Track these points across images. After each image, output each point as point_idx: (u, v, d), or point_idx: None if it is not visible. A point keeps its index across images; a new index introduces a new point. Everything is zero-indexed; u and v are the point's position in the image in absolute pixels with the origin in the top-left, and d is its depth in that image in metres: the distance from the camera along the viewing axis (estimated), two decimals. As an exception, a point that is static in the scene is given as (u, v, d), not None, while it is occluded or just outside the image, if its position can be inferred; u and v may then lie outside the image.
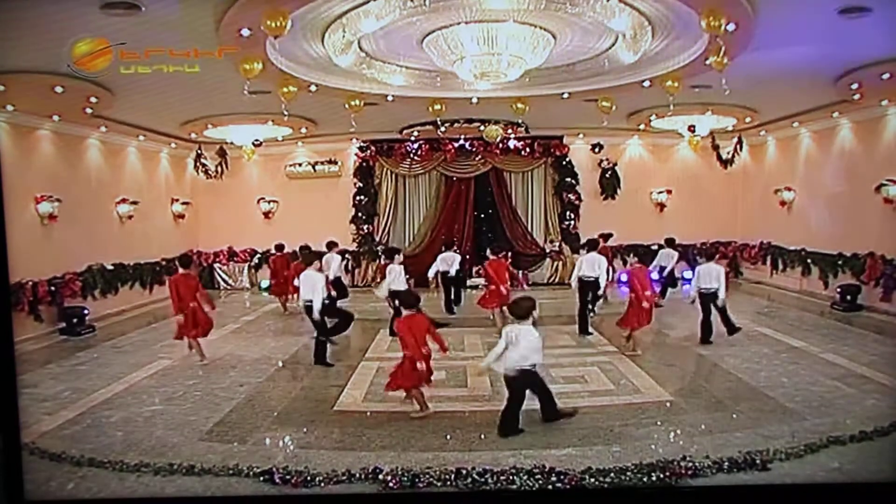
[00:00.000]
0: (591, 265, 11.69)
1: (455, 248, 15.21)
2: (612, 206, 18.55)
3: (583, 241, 14.94)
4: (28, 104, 11.29)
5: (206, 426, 7.27)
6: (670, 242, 14.89)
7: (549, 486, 5.63)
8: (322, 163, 18.92)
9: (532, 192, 19.04)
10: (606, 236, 14.30)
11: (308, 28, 9.29)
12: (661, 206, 18.92)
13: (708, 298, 10.71)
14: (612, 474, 5.71)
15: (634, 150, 19.05)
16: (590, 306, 12.20)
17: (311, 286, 9.88)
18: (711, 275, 10.70)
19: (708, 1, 7.99)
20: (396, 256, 12.37)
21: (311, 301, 9.83)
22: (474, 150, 18.31)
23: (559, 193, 18.74)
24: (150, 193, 16.75)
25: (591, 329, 11.76)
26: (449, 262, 14.32)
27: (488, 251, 12.85)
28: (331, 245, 14.19)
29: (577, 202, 18.63)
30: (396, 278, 11.86)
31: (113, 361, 10.40)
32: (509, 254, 13.53)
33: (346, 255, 17.40)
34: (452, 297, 14.45)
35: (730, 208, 19.03)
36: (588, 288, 11.79)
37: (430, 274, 14.51)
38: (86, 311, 12.87)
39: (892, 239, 12.84)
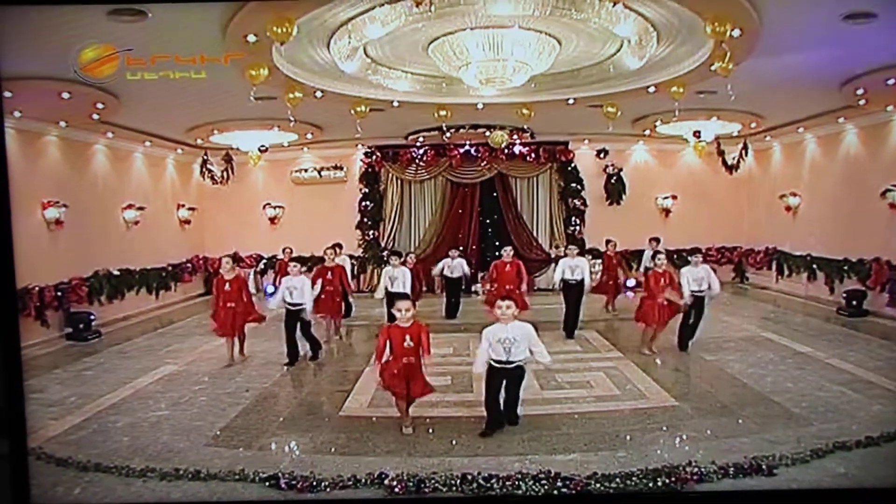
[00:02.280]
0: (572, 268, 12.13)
1: (459, 254, 15.06)
2: (618, 212, 18.49)
3: (577, 245, 14.98)
4: (35, 110, 11.30)
5: (211, 431, 7.28)
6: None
7: (555, 492, 5.63)
8: (328, 168, 18.92)
9: (537, 197, 19.00)
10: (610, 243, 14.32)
11: (314, 34, 9.32)
12: (667, 211, 18.87)
13: (701, 302, 10.64)
14: (617, 480, 5.70)
15: (640, 156, 19.02)
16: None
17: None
18: (707, 276, 10.62)
19: (713, 6, 8.01)
20: (393, 259, 12.63)
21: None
22: (480, 155, 18.24)
23: (564, 199, 18.69)
24: (157, 199, 16.79)
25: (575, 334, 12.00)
26: (451, 267, 14.44)
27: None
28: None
29: (582, 207, 18.57)
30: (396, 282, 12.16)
31: (119, 367, 10.41)
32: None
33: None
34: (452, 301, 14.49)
35: (735, 214, 18.98)
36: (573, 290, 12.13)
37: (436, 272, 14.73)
38: (92, 317, 12.87)
39: (898, 244, 12.83)
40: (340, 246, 14.38)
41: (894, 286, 12.76)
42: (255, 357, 10.75)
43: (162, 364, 10.43)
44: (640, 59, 10.50)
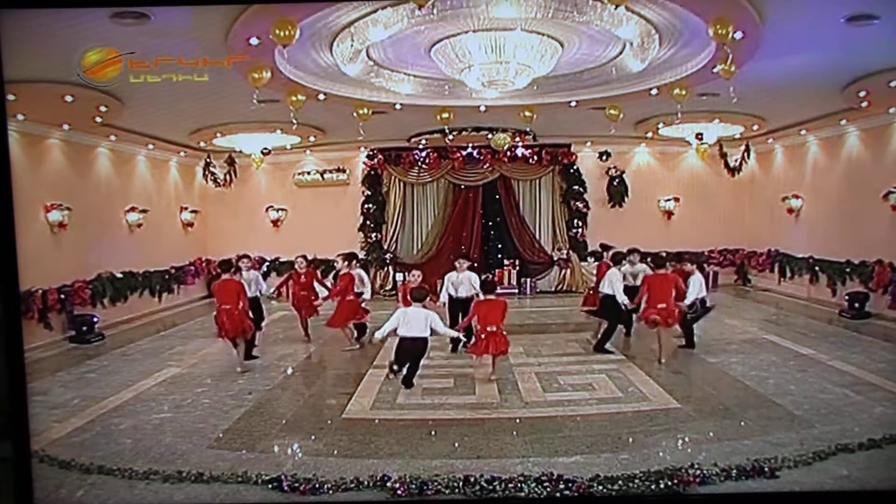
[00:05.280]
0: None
1: (469, 265, 11.67)
2: (620, 214, 18.52)
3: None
4: (38, 113, 11.33)
5: (214, 434, 7.29)
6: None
7: (557, 494, 5.63)
8: (330, 171, 18.93)
9: (540, 199, 19.02)
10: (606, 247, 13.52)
11: (316, 37, 9.34)
12: (669, 213, 18.88)
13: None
14: (620, 482, 5.71)
15: (642, 158, 19.03)
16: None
17: None
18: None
19: (715, 9, 8.01)
20: (353, 262, 12.02)
21: None
22: (482, 158, 18.30)
23: (567, 201, 18.70)
24: (160, 202, 16.82)
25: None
26: (455, 283, 11.38)
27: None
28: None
29: (584, 210, 18.58)
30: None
31: (122, 369, 10.42)
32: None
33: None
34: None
35: (737, 216, 18.96)
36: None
37: (443, 298, 11.44)
38: (95, 319, 12.90)
39: (900, 246, 12.81)
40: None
41: (897, 288, 12.77)
42: (258, 360, 10.75)
43: (165, 366, 10.43)
44: (643, 61, 10.51)
